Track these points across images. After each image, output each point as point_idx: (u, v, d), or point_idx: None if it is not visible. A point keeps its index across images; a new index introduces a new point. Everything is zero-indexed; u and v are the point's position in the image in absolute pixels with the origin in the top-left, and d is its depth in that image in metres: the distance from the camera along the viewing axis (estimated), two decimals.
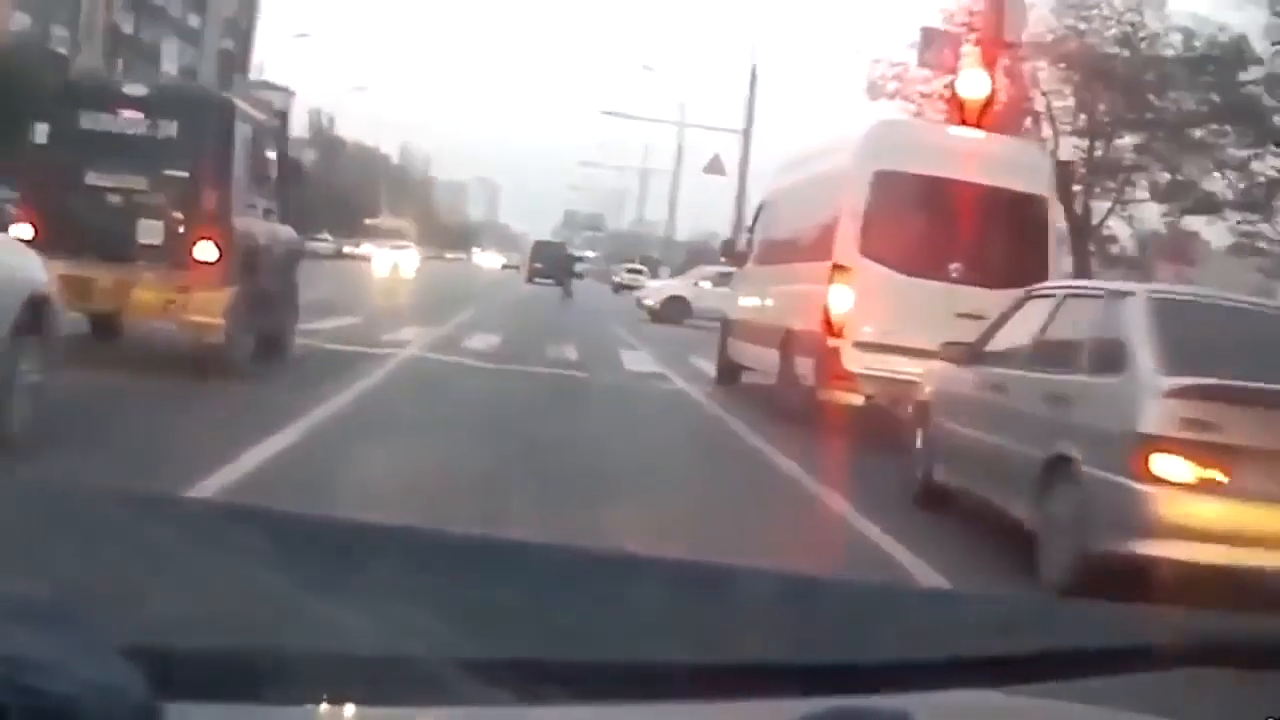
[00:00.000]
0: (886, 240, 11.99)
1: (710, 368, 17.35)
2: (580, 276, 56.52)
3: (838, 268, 11.88)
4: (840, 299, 11.83)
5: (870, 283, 11.79)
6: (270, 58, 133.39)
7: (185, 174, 10.81)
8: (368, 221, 73.35)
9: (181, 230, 10.72)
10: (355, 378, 11.95)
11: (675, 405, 13.90)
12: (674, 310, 34.65)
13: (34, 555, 1.07)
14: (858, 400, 12.05)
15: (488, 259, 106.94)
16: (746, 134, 48.74)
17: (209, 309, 10.71)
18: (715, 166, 52.32)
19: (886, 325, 11.81)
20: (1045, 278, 12.15)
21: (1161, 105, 27.56)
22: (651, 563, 1.32)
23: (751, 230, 16.57)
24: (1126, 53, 27.46)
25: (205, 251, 10.70)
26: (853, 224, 11.95)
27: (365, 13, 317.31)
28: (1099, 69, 27.11)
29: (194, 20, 70.43)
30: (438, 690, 0.95)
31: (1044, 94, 27.73)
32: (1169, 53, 27.50)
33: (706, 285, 35.42)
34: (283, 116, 12.92)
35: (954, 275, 11.93)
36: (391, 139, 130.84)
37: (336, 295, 24.88)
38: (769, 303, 14.32)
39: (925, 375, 9.15)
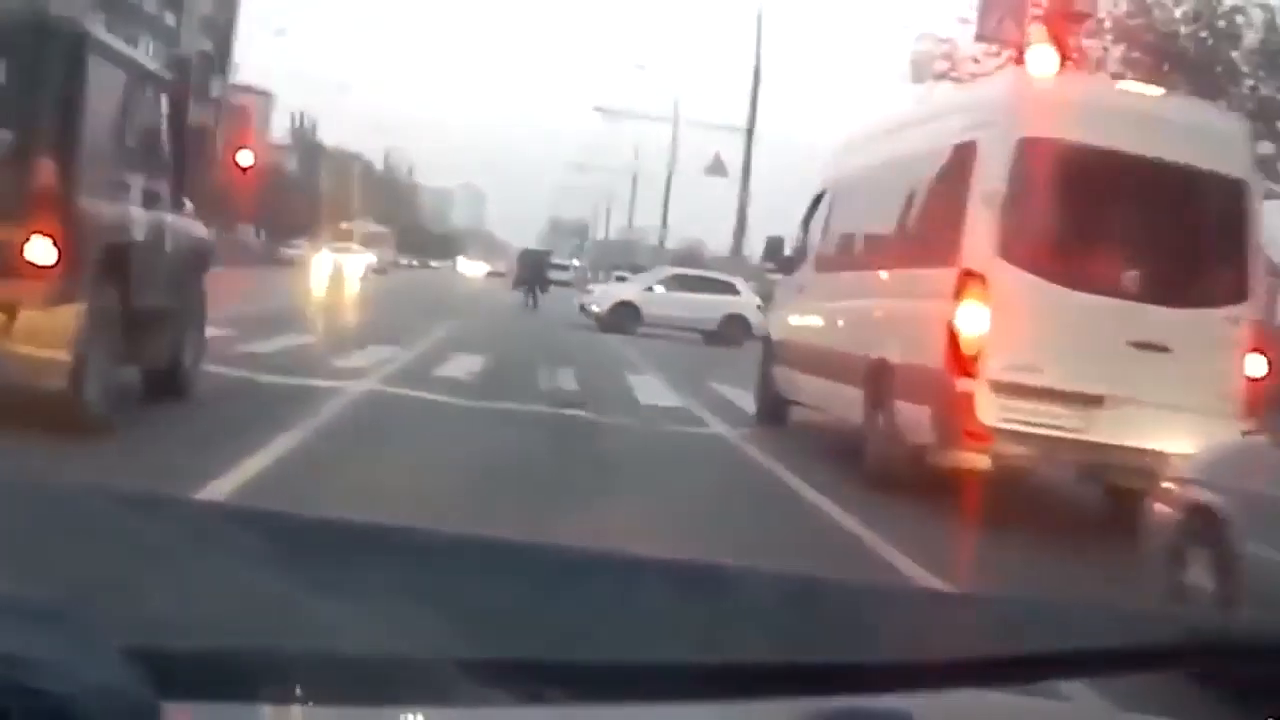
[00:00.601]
0: (1035, 238, 8.46)
1: (738, 396, 14.44)
2: (568, 284, 53.83)
3: (969, 276, 8.26)
4: (974, 321, 8.21)
5: (1012, 298, 8.24)
6: (249, 57, 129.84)
7: (10, 135, 7.31)
8: (342, 225, 70.52)
9: (4, 220, 7.21)
10: (275, 431, 8.45)
11: (724, 469, 9.97)
12: (623, 318, 29.86)
13: (34, 555, 1.05)
14: (986, 463, 8.49)
15: (472, 267, 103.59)
16: (749, 132, 45.24)
17: (46, 335, 7.27)
18: (716, 168, 48.82)
19: (1035, 358, 8.27)
20: (1244, 294, 8.67)
21: (1237, 91, 24.26)
22: (651, 563, 1.28)
23: (805, 227, 12.86)
24: (1204, 33, 24.12)
25: (38, 251, 7.23)
26: (987, 215, 8.35)
27: (348, 10, 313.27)
28: (1168, 50, 23.79)
29: (170, 19, 67.93)
30: (437, 690, 0.93)
31: (1111, 76, 24.35)
32: (1250, 34, 24.19)
33: (660, 290, 31.43)
34: (182, 65, 9.30)
35: (1128, 288, 8.40)
36: (375, 142, 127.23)
37: (295, 308, 22.32)
38: (843, 323, 10.69)
39: (1226, 459, 5.44)
